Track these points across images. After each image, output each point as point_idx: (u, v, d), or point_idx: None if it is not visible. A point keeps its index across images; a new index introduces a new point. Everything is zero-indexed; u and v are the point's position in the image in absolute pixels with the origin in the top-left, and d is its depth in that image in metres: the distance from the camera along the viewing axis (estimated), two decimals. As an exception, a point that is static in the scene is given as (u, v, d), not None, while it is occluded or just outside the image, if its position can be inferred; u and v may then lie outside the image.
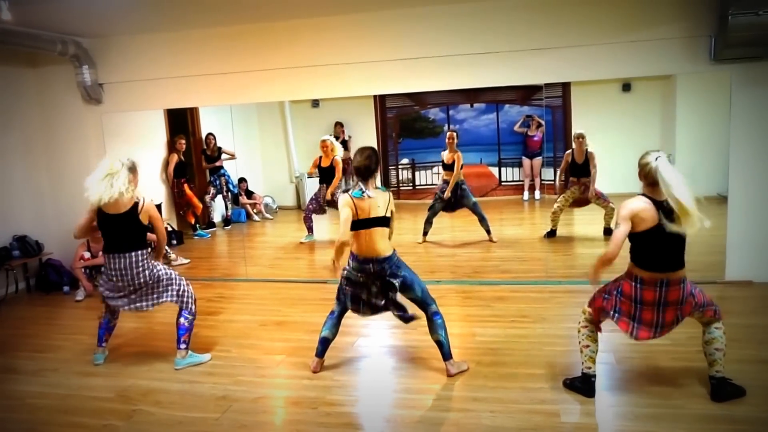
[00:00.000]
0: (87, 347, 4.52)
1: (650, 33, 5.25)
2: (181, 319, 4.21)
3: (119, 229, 4.04)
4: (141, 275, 4.08)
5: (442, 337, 3.81)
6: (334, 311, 4.01)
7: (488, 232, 7.27)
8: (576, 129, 7.11)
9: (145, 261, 4.11)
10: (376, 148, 3.79)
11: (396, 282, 3.68)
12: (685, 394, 3.42)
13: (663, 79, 6.94)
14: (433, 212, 7.38)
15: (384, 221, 3.69)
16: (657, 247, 3.12)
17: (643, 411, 3.27)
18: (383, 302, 3.74)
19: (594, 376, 3.48)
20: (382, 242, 3.69)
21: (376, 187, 3.73)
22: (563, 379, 3.63)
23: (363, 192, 3.66)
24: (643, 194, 3.17)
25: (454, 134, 7.33)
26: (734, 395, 3.30)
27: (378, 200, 3.68)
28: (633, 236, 3.18)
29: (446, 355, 3.83)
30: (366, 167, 3.67)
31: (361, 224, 3.68)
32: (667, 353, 3.93)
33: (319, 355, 4.00)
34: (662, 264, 3.13)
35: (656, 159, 3.06)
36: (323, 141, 7.56)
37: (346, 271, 3.84)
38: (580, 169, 6.93)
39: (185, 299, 4.25)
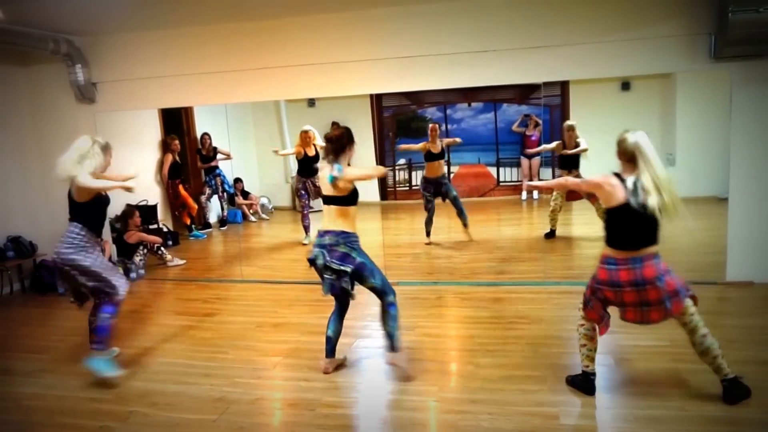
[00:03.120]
0: (82, 348, 4.47)
1: (649, 31, 5.22)
2: (101, 315, 4.02)
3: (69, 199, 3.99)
4: (66, 251, 3.89)
5: (392, 329, 3.80)
6: (334, 310, 4.02)
7: (465, 225, 7.26)
8: (567, 121, 7.11)
9: (75, 239, 3.93)
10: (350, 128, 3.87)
11: (347, 268, 3.68)
12: (684, 396, 3.39)
13: (662, 77, 6.92)
14: (431, 212, 7.33)
15: (339, 200, 3.72)
16: (628, 225, 3.15)
17: (642, 413, 3.24)
18: (332, 276, 3.74)
19: (593, 374, 3.47)
20: (339, 220, 3.74)
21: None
22: (566, 376, 3.63)
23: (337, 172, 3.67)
24: (614, 173, 3.22)
25: (437, 126, 7.40)
26: (745, 396, 3.27)
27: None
28: (606, 215, 3.25)
29: (391, 348, 3.83)
30: (337, 138, 3.73)
31: (324, 199, 3.80)
32: (666, 354, 3.91)
33: (328, 355, 3.98)
34: (634, 242, 3.16)
35: (633, 135, 3.15)
36: (306, 131, 7.56)
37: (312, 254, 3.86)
38: (570, 161, 6.93)
39: (107, 290, 4.00)
